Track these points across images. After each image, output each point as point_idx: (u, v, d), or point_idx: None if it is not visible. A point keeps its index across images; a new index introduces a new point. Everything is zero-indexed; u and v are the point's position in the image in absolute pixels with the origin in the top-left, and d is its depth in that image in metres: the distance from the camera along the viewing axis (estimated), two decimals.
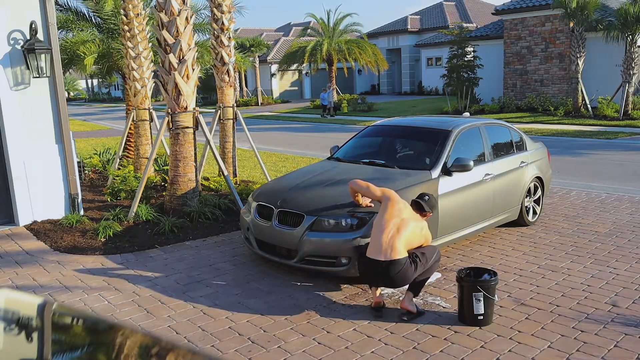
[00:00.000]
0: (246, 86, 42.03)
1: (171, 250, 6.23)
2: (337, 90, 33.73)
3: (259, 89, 37.33)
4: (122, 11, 9.43)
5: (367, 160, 6.24)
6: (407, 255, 4.29)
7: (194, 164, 7.43)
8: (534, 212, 7.03)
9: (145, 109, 9.87)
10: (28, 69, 7.05)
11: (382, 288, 4.70)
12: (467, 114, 9.87)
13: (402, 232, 4.29)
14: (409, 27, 38.55)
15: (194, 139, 7.44)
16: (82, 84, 66.70)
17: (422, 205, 4.59)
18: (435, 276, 5.26)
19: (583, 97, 19.90)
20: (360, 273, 4.63)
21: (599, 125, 17.44)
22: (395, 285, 4.35)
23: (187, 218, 7.08)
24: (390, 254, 4.22)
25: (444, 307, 4.59)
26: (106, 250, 6.21)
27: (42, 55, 6.97)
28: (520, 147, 6.98)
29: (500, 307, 4.54)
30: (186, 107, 7.25)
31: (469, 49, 23.93)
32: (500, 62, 24.03)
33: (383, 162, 6.12)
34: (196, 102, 7.56)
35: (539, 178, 7.06)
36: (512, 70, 23.53)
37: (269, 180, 8.76)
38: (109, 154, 12.10)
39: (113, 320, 2.55)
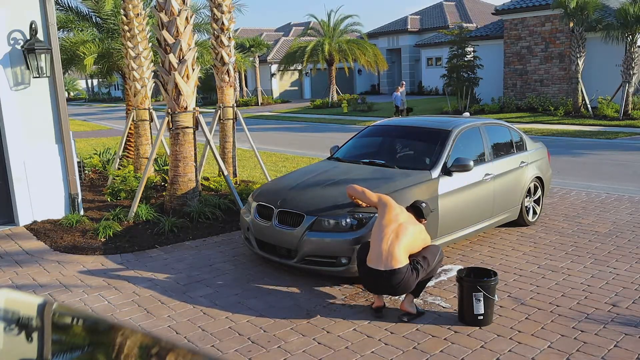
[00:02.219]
0: (246, 86, 42.03)
1: (171, 250, 6.23)
2: (337, 90, 33.75)
3: (259, 89, 37.33)
4: (122, 11, 9.43)
5: (367, 160, 6.24)
6: (408, 262, 4.23)
7: (194, 164, 7.44)
8: (534, 212, 7.04)
9: (145, 109, 9.87)
10: (28, 69, 7.05)
11: None
12: (467, 114, 9.87)
13: (401, 238, 4.25)
14: (409, 27, 38.55)
15: (194, 139, 7.45)
16: (82, 84, 66.69)
17: (421, 211, 4.58)
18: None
19: (583, 97, 19.89)
20: (361, 280, 4.60)
21: (599, 125, 17.44)
22: (397, 293, 4.31)
23: (187, 218, 7.08)
24: (391, 262, 4.17)
25: (444, 307, 4.59)
26: (106, 250, 6.21)
27: (42, 55, 6.97)
28: (520, 147, 6.98)
29: (500, 307, 4.54)
30: (186, 107, 7.25)
31: (469, 49, 23.91)
32: (500, 62, 24.03)
33: (383, 162, 6.11)
34: (196, 102, 7.56)
35: (539, 178, 7.06)
36: (512, 70, 23.53)
37: (269, 180, 8.76)
38: (109, 154, 12.10)
39: (113, 320, 2.55)
